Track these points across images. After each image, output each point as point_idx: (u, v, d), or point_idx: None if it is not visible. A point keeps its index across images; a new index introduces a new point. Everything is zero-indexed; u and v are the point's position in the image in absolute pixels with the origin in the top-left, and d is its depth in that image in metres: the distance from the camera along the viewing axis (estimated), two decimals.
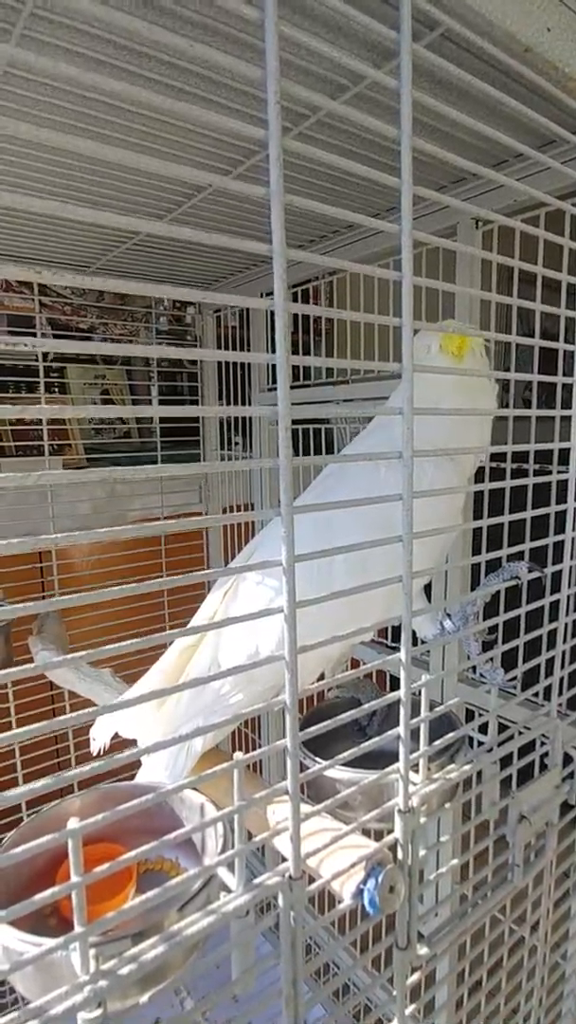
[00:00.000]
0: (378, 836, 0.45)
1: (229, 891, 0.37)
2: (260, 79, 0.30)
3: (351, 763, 0.40)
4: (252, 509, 1.50)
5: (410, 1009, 0.46)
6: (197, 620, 0.63)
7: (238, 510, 1.55)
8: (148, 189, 0.80)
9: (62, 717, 0.27)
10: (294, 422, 0.32)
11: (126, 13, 0.45)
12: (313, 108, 0.59)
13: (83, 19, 0.46)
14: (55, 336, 1.62)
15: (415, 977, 0.46)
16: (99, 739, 0.60)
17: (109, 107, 0.59)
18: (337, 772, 0.56)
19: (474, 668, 0.92)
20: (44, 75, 0.53)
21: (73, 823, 0.29)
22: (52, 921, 0.45)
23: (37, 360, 1.36)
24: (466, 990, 0.60)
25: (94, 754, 0.59)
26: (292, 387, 0.30)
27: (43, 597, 1.33)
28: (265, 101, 0.29)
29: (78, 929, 0.30)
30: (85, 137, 0.65)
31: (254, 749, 1.55)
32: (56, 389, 1.64)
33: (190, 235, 0.29)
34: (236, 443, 1.59)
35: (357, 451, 0.64)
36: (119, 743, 0.60)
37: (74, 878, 0.29)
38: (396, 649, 0.41)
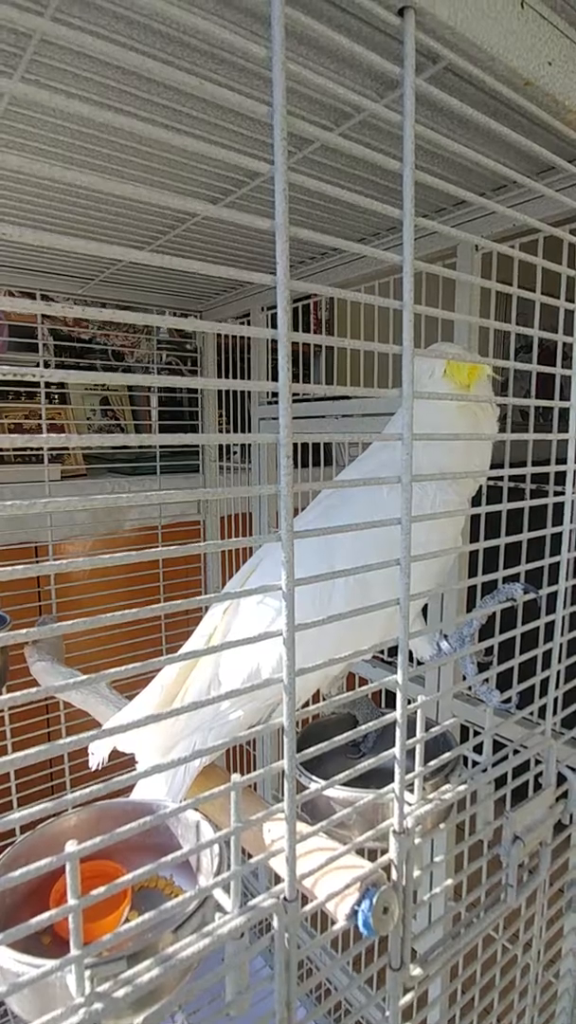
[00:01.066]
0: (373, 854, 0.45)
1: (224, 912, 0.37)
2: (267, 114, 0.30)
3: (346, 781, 0.40)
4: (251, 518, 1.50)
5: None
6: (198, 635, 0.63)
7: (237, 519, 1.56)
8: (145, 215, 0.81)
9: (59, 742, 0.27)
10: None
11: (141, 46, 0.46)
12: (317, 136, 0.60)
13: (91, 48, 0.46)
14: (56, 347, 1.63)
15: (408, 997, 0.46)
16: (97, 754, 0.61)
17: (107, 136, 0.60)
18: (333, 791, 0.56)
19: (470, 687, 0.92)
20: (49, 107, 0.54)
21: (71, 846, 0.29)
22: (46, 939, 0.45)
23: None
24: (459, 1010, 0.60)
25: (92, 769, 0.59)
26: (292, 401, 0.31)
27: (40, 608, 1.33)
28: (268, 126, 0.30)
29: (74, 952, 0.30)
30: (83, 167, 0.67)
31: (251, 762, 1.54)
32: (56, 398, 1.65)
33: (193, 267, 0.30)
34: (235, 452, 1.59)
35: (360, 471, 0.64)
36: (115, 753, 0.60)
37: (71, 901, 0.29)
38: (393, 664, 0.41)
